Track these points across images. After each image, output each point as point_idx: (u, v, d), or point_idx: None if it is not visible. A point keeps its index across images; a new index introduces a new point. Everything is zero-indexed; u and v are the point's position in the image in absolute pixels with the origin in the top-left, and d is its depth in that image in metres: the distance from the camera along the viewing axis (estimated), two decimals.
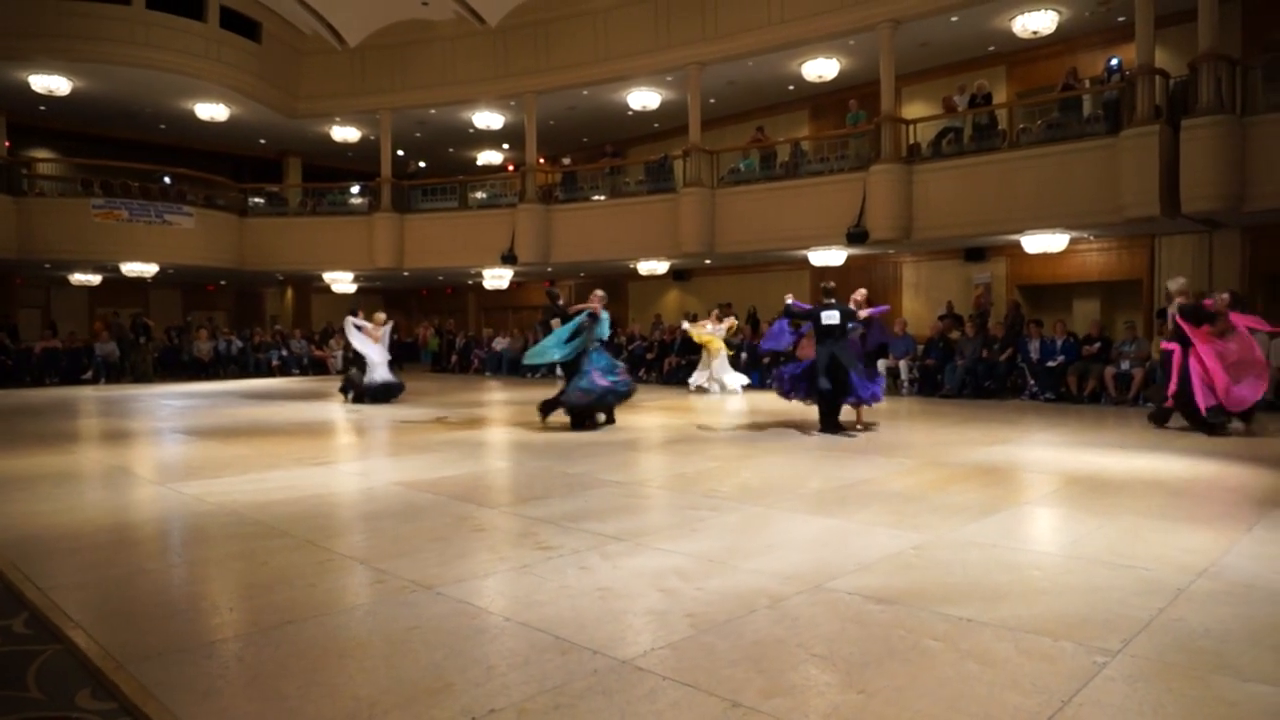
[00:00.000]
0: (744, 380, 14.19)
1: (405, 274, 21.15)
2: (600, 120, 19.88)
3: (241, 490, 5.54)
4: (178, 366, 19.26)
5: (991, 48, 15.08)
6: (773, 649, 2.73)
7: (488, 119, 19.57)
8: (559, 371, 17.47)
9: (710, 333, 14.42)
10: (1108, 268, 14.70)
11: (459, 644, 2.80)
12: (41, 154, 20.14)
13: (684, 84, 16.73)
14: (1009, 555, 3.86)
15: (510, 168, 22.43)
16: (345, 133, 20.83)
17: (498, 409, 11.94)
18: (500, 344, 21.05)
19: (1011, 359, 12.67)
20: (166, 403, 12.95)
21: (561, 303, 9.61)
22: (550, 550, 3.96)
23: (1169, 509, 4.86)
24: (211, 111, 18.71)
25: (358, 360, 12.72)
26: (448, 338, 23.05)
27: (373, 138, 20.41)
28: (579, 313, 9.03)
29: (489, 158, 23.68)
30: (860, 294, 9.09)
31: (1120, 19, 13.43)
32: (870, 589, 3.33)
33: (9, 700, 2.41)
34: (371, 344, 12.63)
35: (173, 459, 7.34)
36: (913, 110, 15.87)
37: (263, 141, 22.03)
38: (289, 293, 24.16)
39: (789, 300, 8.82)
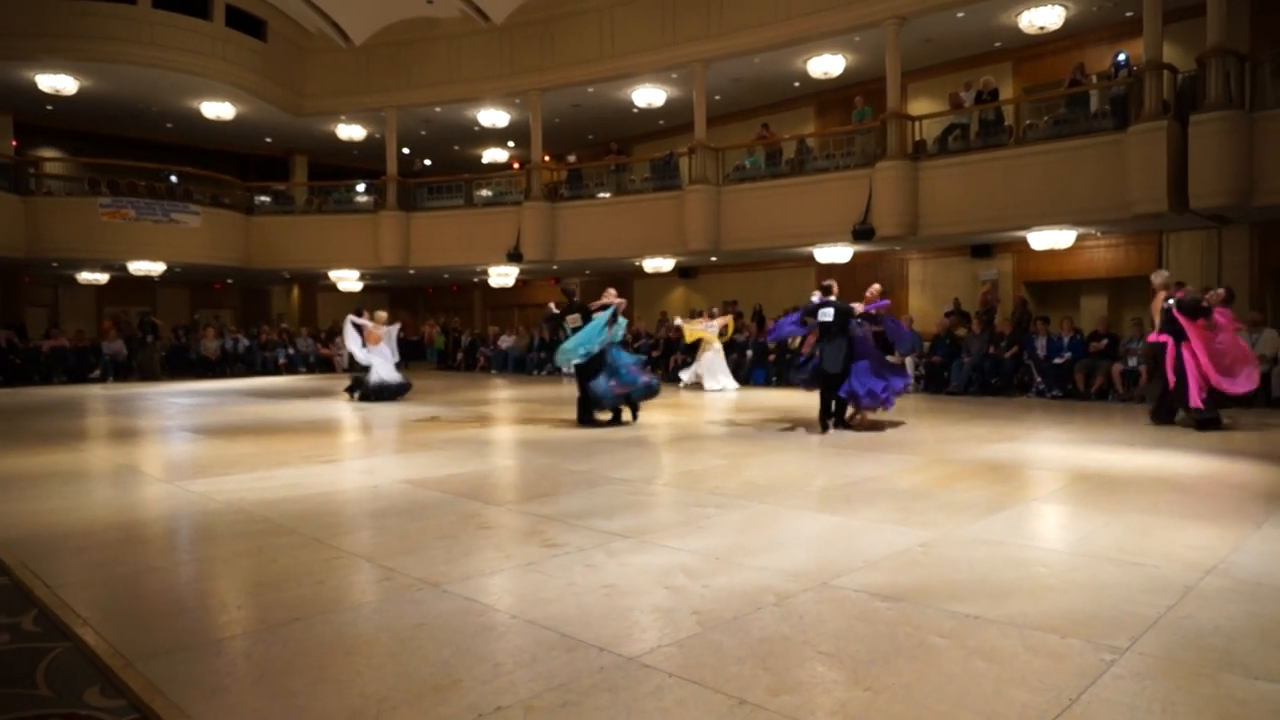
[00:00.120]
0: (731, 383, 14.17)
1: (411, 272, 21.19)
2: (605, 118, 19.87)
3: (249, 488, 5.56)
4: (185, 365, 19.33)
5: (998, 43, 15.03)
6: (779, 646, 2.73)
7: (493, 117, 19.59)
8: (566, 370, 17.50)
9: (702, 329, 14.43)
10: (1115, 264, 14.65)
11: (466, 641, 2.80)
12: (49, 153, 20.23)
13: (689, 81, 16.71)
14: (1016, 552, 3.85)
15: (515, 165, 22.45)
16: (351, 131, 20.87)
17: (503, 407, 11.95)
18: (506, 342, 21.08)
19: (1018, 356, 12.63)
20: (174, 401, 13.00)
21: (577, 299, 9.51)
22: (556, 548, 3.96)
23: (1177, 506, 4.84)
24: (218, 110, 18.76)
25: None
26: (453, 336, 23.08)
27: (378, 136, 20.44)
28: (601, 309, 9.01)
29: (494, 155, 23.70)
30: (874, 289, 9.04)
31: (1127, 14, 13.37)
32: (877, 586, 3.32)
33: (19, 697, 2.42)
34: (367, 345, 12.62)
35: (180, 457, 7.36)
36: (918, 107, 15.83)
37: (269, 140, 22.08)
38: (295, 291, 24.21)
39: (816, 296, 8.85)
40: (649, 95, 17.89)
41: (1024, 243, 14.01)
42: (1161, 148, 11.23)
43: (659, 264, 17.79)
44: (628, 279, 21.21)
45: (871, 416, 8.57)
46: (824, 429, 8.23)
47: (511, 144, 22.63)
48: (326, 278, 21.57)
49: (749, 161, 16.69)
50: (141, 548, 4.18)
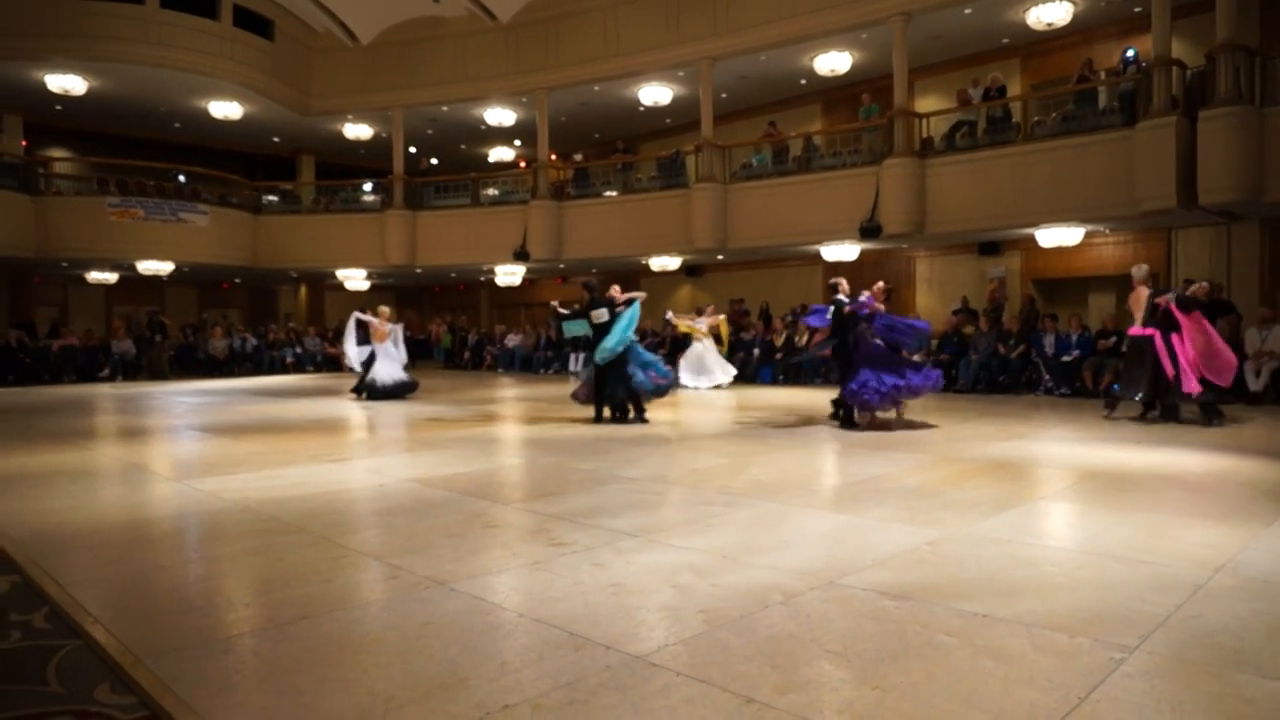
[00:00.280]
0: (723, 377, 14.19)
1: (418, 271, 21.23)
2: (612, 116, 19.86)
3: (256, 487, 5.58)
4: (193, 364, 19.41)
5: (1005, 40, 14.97)
6: (787, 645, 2.72)
7: (499, 115, 19.60)
8: (573, 368, 17.50)
9: (693, 325, 14.45)
10: (1124, 261, 14.54)
11: (473, 640, 2.81)
12: (58, 153, 20.33)
13: (695, 79, 16.69)
14: (1024, 551, 3.83)
15: (522, 164, 22.46)
16: (358, 130, 20.92)
17: (510, 406, 11.96)
18: (513, 340, 21.11)
19: (1026, 354, 12.59)
20: (182, 400, 13.05)
21: (617, 293, 9.41)
22: (563, 546, 3.96)
23: (1186, 504, 4.82)
24: (225, 110, 18.83)
25: (369, 356, 12.77)
26: (460, 334, 23.12)
27: (385, 135, 20.48)
28: (627, 303, 9.02)
29: (501, 154, 23.72)
30: (876, 287, 9.01)
31: (1136, 9, 13.30)
32: (885, 585, 3.31)
33: (31, 694, 2.44)
34: (374, 342, 12.65)
35: (189, 456, 7.39)
36: (926, 104, 15.78)
37: (276, 139, 22.14)
38: (303, 290, 24.29)
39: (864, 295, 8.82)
40: (655, 93, 17.88)
41: (1032, 240, 13.96)
42: (1170, 144, 11.17)
43: (665, 262, 17.78)
44: (634, 277, 21.19)
45: (883, 415, 8.49)
46: (835, 419, 8.33)
47: (518, 143, 22.65)
48: (334, 277, 21.64)
49: (756, 159, 16.66)
50: (150, 546, 4.20)
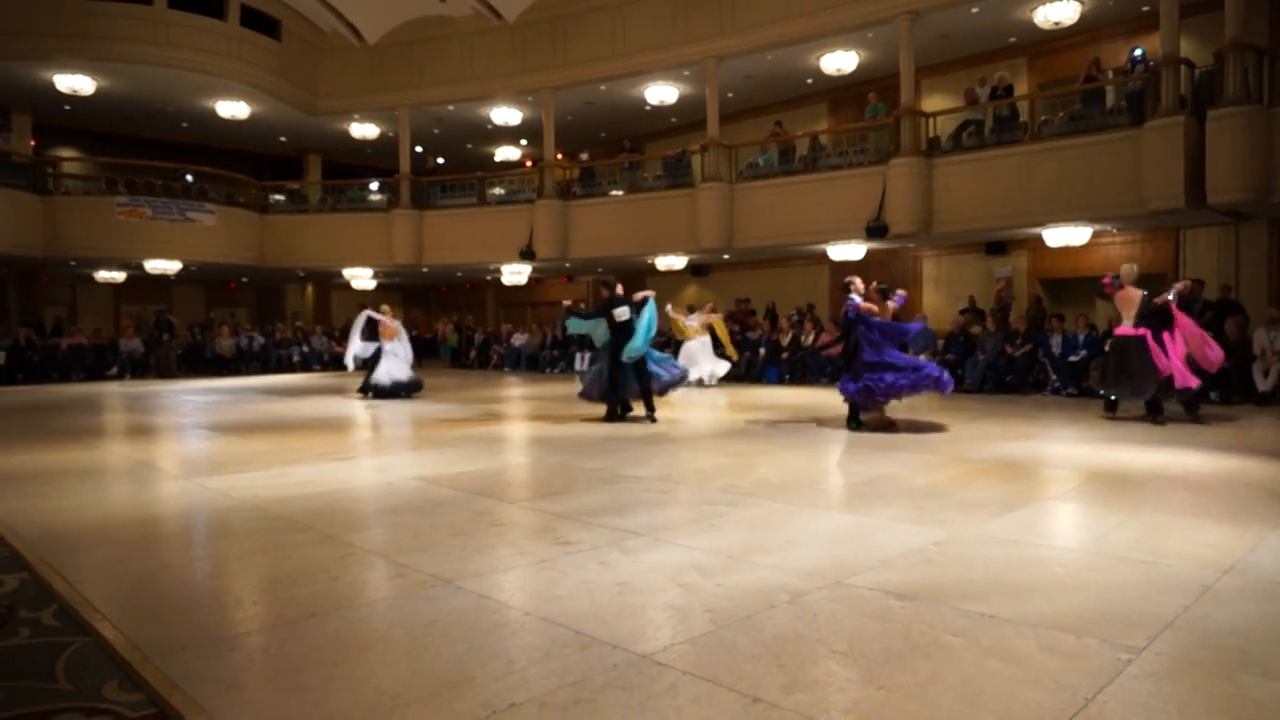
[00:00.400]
0: (713, 370, 14.23)
1: (424, 270, 21.27)
2: (618, 115, 19.87)
3: (264, 485, 5.60)
4: (200, 363, 19.49)
5: (1012, 39, 14.92)
6: (793, 644, 2.72)
7: (505, 115, 19.62)
8: (579, 367, 17.52)
9: (686, 323, 14.46)
10: (1131, 261, 14.45)
11: (479, 638, 2.81)
12: (67, 153, 20.42)
13: (702, 78, 16.68)
14: (1031, 551, 3.83)
15: (528, 163, 22.48)
16: (364, 130, 20.96)
17: (516, 405, 11.98)
18: (519, 340, 21.13)
19: (1033, 354, 12.55)
20: (189, 398, 13.10)
21: (620, 293, 9.40)
22: (569, 545, 3.97)
23: (1193, 505, 4.80)
24: (232, 110, 18.88)
25: (374, 354, 12.79)
26: (467, 334, 23.16)
27: (391, 134, 20.52)
28: (643, 301, 9.04)
29: (507, 154, 23.74)
30: (872, 286, 9.02)
31: (1144, 8, 13.25)
32: (891, 585, 3.31)
33: (40, 690, 2.46)
34: (381, 339, 12.69)
35: (196, 454, 7.42)
36: (932, 103, 15.74)
37: (283, 139, 22.20)
38: (309, 289, 24.35)
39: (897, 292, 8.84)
40: (661, 93, 17.87)
41: (1039, 240, 13.91)
42: (1178, 143, 11.13)
43: (671, 262, 17.78)
44: (640, 277, 21.20)
45: (871, 414, 8.48)
46: (852, 425, 8.30)
47: (524, 142, 22.66)
48: (340, 276, 21.69)
49: (762, 159, 16.64)
50: (158, 544, 4.22)
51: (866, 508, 4.78)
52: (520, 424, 9.51)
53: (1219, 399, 10.62)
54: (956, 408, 10.40)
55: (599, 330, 9.32)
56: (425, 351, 23.09)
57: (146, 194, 18.33)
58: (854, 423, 8.27)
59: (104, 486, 5.80)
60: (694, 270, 20.16)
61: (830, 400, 8.51)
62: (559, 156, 19.79)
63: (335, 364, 20.66)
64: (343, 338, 20.81)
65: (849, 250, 15.44)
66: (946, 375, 8.18)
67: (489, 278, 23.33)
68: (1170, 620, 2.90)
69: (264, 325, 22.30)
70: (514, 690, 2.39)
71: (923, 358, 13.50)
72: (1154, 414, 8.60)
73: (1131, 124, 11.91)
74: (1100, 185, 12.00)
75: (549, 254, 18.25)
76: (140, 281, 20.35)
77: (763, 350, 15.75)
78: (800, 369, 15.00)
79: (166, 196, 18.55)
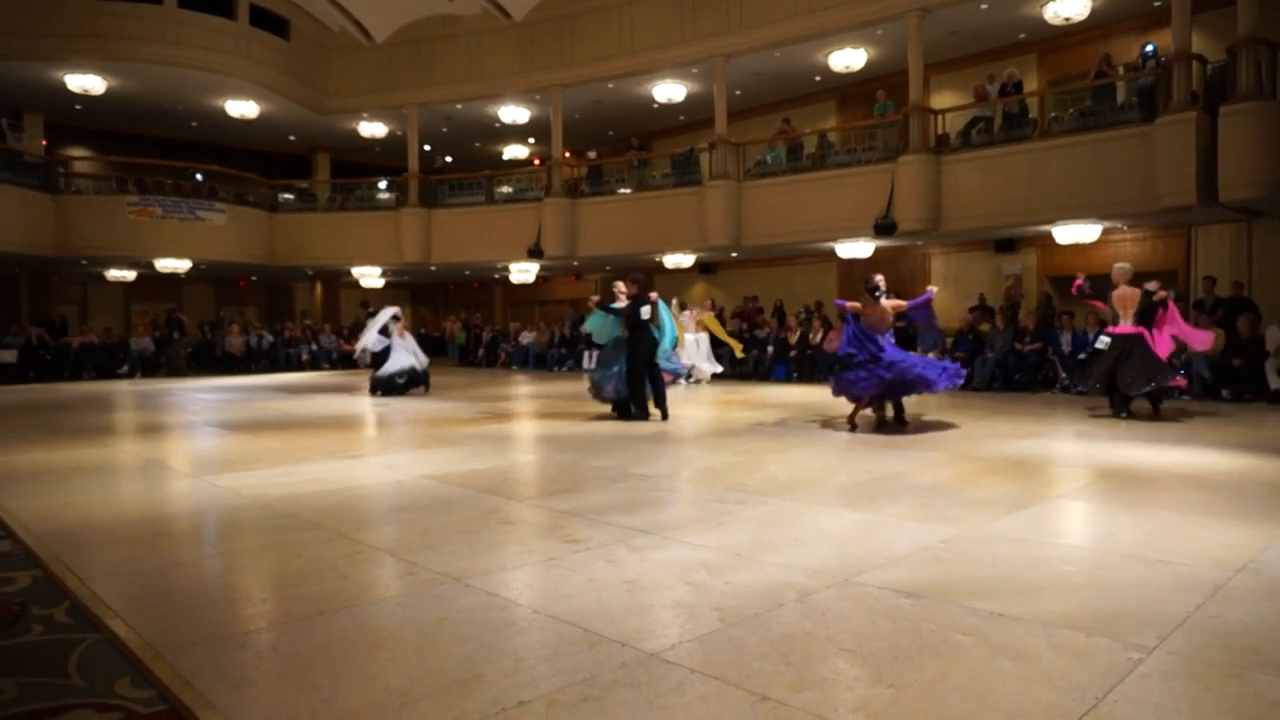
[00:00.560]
0: (705, 371, 14.23)
1: (432, 268, 21.31)
2: (625, 113, 19.87)
3: (274, 483, 5.62)
4: (210, 361, 19.58)
5: (1022, 35, 14.85)
6: (801, 642, 2.72)
7: (513, 113, 19.64)
8: (586, 364, 17.52)
9: (680, 320, 14.47)
10: (1142, 258, 14.42)
11: (488, 636, 2.82)
12: (78, 153, 20.54)
13: (709, 76, 16.66)
14: (1040, 550, 3.81)
15: (536, 162, 22.49)
16: (373, 128, 21.02)
17: (525, 403, 11.99)
18: (527, 338, 21.15)
19: (1042, 351, 12.50)
20: (199, 397, 13.17)
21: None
22: (578, 543, 3.97)
23: (1205, 503, 4.77)
24: (242, 109, 18.96)
25: (381, 351, 12.84)
26: (475, 332, 23.20)
27: (400, 133, 20.56)
28: (654, 302, 9.09)
29: (515, 152, 23.76)
30: (878, 277, 9.00)
31: (1155, 3, 13.16)
32: (899, 583, 3.30)
33: (53, 687, 2.47)
34: (392, 335, 12.78)
35: (206, 452, 7.46)
36: (941, 100, 15.69)
37: (292, 138, 22.28)
38: (318, 288, 24.44)
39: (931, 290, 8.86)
40: (669, 91, 17.86)
41: (1048, 237, 13.85)
42: (1190, 139, 11.05)
43: (679, 260, 17.76)
44: (648, 275, 21.21)
45: (860, 410, 8.47)
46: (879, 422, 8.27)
47: (532, 140, 22.68)
48: (349, 274, 21.76)
49: (770, 156, 16.62)
50: (169, 541, 4.24)
51: (875, 506, 4.76)
52: (528, 422, 9.52)
53: (1231, 397, 10.57)
54: (965, 405, 10.37)
55: (612, 328, 9.27)
56: (433, 350, 23.13)
57: (157, 193, 18.42)
58: (851, 422, 8.20)
59: (115, 484, 5.83)
60: (702, 268, 20.15)
61: (839, 399, 8.47)
62: (567, 155, 19.80)
63: (344, 362, 20.74)
64: (351, 335, 20.96)
65: (857, 248, 15.40)
66: (936, 374, 7.86)
67: (497, 276, 23.37)
68: (1182, 619, 2.88)
69: (273, 324, 22.38)
70: (522, 688, 2.40)
71: (931, 356, 13.49)
72: (1120, 410, 8.69)
73: (1143, 120, 11.84)
74: (1111, 182, 11.94)
75: (557, 252, 18.26)
76: (151, 280, 20.46)
77: (770, 348, 15.72)
78: (808, 367, 14.97)
79: (176, 195, 18.64)
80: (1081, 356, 11.92)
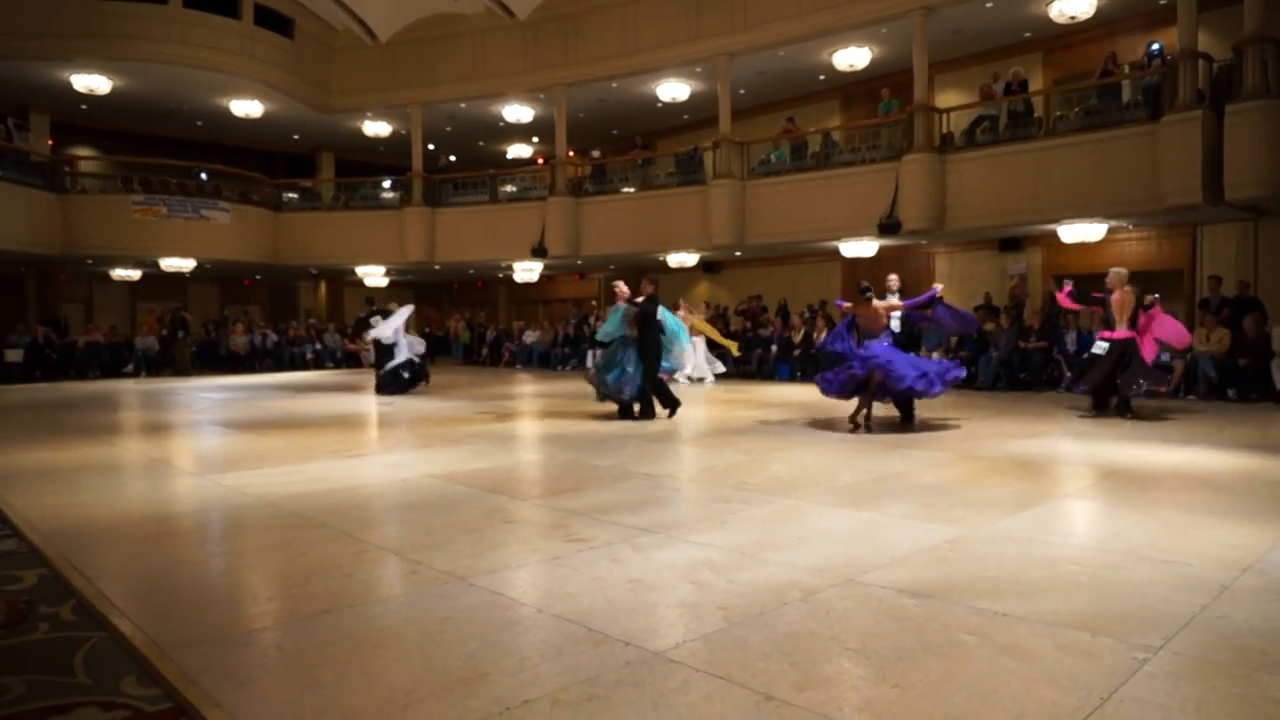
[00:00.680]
0: (694, 374, 14.27)
1: (436, 267, 21.32)
2: (629, 112, 19.85)
3: (278, 482, 5.63)
4: (215, 360, 19.63)
5: (1027, 33, 14.81)
6: (805, 642, 2.72)
7: (517, 112, 19.64)
8: (590, 362, 17.55)
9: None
10: (1147, 257, 14.40)
11: (492, 634, 2.82)
12: (84, 152, 20.60)
13: (714, 75, 16.64)
14: (1045, 550, 3.80)
15: (540, 161, 22.49)
16: (377, 127, 21.03)
17: (528, 402, 12.00)
18: (531, 337, 21.15)
19: (1047, 351, 12.47)
20: (204, 396, 13.20)
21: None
22: (582, 542, 3.97)
23: (1211, 503, 4.76)
24: (246, 108, 18.99)
25: (386, 350, 12.83)
26: (479, 331, 23.22)
27: (404, 132, 20.57)
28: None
29: (519, 151, 23.76)
30: (892, 278, 9.01)
31: (1161, 1, 13.11)
32: (904, 583, 3.30)
33: (59, 685, 2.48)
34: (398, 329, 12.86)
35: (211, 451, 7.48)
36: (946, 99, 15.65)
37: (296, 137, 22.31)
38: (322, 286, 24.47)
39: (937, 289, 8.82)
40: (673, 89, 17.84)
41: (1053, 236, 13.81)
42: (1196, 138, 11.02)
43: (683, 259, 17.75)
44: (652, 274, 21.19)
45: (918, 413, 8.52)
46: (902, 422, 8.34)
47: (536, 139, 22.68)
48: (353, 273, 21.78)
49: (774, 155, 16.60)
50: (175, 540, 4.25)
51: (879, 505, 4.76)
52: (532, 421, 9.53)
53: (1237, 397, 10.54)
54: (970, 405, 10.36)
55: (619, 327, 9.25)
56: (437, 348, 23.18)
57: (162, 192, 18.46)
58: (853, 421, 8.17)
59: (121, 483, 5.85)
60: (706, 267, 20.13)
61: (842, 399, 8.45)
62: (571, 154, 19.79)
63: (348, 361, 20.77)
64: (356, 334, 20.85)
65: (861, 247, 15.38)
66: (913, 377, 7.60)
67: (501, 275, 23.37)
68: (1187, 620, 2.87)
69: (277, 322, 22.43)
70: (527, 687, 2.40)
71: (935, 355, 13.45)
72: (1123, 410, 8.78)
73: (1148, 119, 11.81)
74: (1116, 181, 11.90)
75: (561, 251, 18.26)
76: (156, 279, 20.50)
77: (775, 347, 15.71)
78: (812, 366, 14.94)
79: (181, 195, 18.68)
80: (1086, 356, 11.91)
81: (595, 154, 20.54)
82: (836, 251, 16.08)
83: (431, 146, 21.99)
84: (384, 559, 3.79)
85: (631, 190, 18.32)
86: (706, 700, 2.30)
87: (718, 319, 17.91)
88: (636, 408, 9.03)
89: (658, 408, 9.11)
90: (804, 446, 7.11)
